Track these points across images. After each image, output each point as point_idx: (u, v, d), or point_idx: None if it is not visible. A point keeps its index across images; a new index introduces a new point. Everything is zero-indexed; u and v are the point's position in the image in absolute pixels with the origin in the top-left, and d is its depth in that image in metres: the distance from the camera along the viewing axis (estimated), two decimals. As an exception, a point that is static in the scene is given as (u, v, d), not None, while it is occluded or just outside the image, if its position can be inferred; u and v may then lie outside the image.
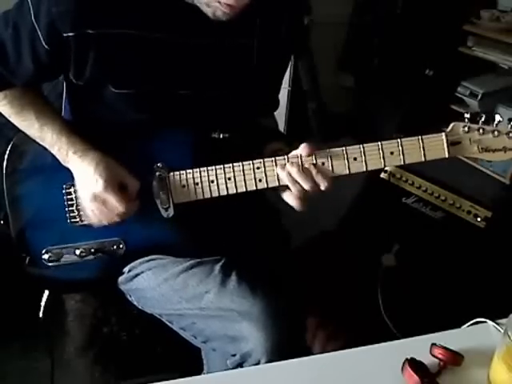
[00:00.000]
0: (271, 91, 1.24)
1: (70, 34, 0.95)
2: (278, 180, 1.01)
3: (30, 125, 1.07)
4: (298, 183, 0.99)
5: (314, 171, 0.98)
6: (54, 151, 1.06)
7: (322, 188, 0.99)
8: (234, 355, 1.02)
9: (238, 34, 1.04)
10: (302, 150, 0.99)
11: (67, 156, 1.05)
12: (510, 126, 0.96)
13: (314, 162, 0.99)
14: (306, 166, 0.99)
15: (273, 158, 1.00)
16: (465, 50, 2.36)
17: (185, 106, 1.06)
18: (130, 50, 0.98)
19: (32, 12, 0.95)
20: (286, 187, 1.01)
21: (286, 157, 1.00)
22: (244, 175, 1.02)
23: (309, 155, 0.99)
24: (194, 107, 1.06)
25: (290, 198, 1.02)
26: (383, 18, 2.55)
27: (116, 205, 1.01)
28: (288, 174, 0.99)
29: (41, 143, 1.07)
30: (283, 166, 1.00)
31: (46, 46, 0.97)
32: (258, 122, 1.22)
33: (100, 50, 0.97)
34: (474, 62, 2.34)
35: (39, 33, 0.96)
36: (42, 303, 1.19)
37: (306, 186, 0.98)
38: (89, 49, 0.97)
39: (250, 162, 1.01)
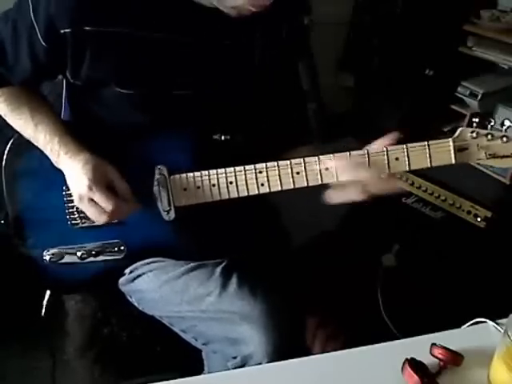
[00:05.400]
0: (279, 92, 1.19)
1: (67, 30, 0.93)
2: (281, 184, 0.99)
3: (26, 124, 1.05)
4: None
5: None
6: (47, 152, 1.03)
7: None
8: (234, 357, 1.02)
9: (239, 34, 1.03)
10: (386, 138, 0.97)
11: (59, 157, 1.02)
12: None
13: (318, 167, 0.97)
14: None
15: (275, 163, 0.99)
16: (465, 49, 2.35)
17: (185, 106, 1.04)
18: (127, 49, 0.97)
19: (31, 9, 0.95)
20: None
21: (289, 161, 0.98)
22: (246, 179, 1.00)
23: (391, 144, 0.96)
24: (195, 108, 1.05)
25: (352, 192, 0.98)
26: (383, 17, 2.55)
27: (104, 204, 0.97)
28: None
29: (35, 144, 1.05)
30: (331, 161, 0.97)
31: (43, 43, 0.96)
32: (284, 125, 1.18)
33: (97, 49, 0.96)
34: (473, 62, 2.34)
35: (37, 29, 0.95)
36: (44, 302, 1.19)
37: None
38: (85, 46, 0.95)
39: (252, 165, 0.99)
